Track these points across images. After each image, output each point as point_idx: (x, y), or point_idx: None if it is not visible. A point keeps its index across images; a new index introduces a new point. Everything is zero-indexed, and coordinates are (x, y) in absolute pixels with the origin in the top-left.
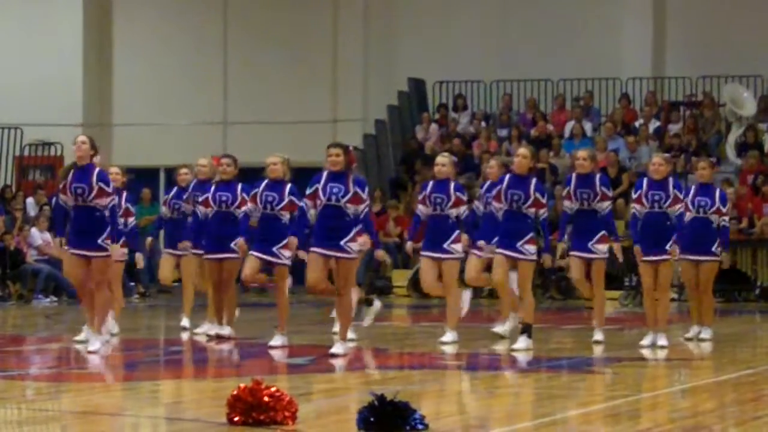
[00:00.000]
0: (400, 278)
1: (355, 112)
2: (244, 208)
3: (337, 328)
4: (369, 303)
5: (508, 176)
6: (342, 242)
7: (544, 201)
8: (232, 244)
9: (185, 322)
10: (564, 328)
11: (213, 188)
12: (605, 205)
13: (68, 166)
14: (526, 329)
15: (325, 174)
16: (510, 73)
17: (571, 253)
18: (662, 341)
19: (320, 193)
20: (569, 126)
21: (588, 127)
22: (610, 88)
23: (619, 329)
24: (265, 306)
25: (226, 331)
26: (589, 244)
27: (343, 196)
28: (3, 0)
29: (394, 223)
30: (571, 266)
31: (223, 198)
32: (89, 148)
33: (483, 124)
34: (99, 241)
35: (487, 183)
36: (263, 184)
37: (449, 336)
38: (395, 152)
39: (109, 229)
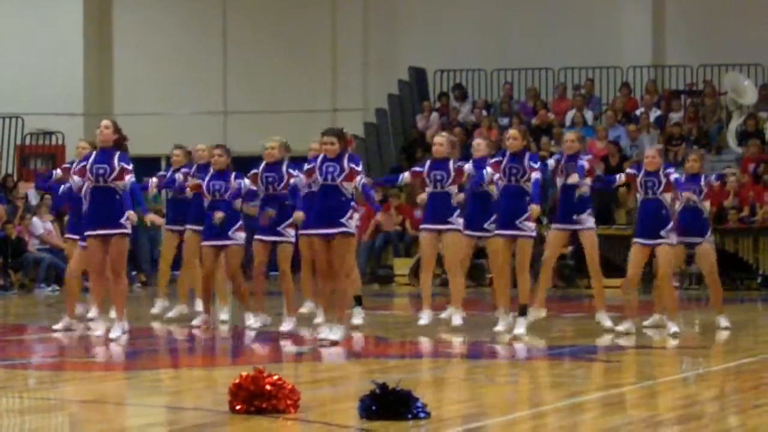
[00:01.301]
0: (401, 267)
1: (355, 101)
2: (293, 180)
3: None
4: (358, 302)
5: (507, 154)
6: (341, 219)
7: (537, 167)
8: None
9: (176, 310)
10: (565, 317)
11: (207, 178)
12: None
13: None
14: (523, 311)
15: (320, 156)
16: (511, 62)
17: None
18: (674, 328)
19: (316, 173)
20: (570, 114)
21: (589, 115)
22: (611, 76)
23: (619, 318)
24: (269, 294)
25: (224, 315)
26: (574, 217)
27: (338, 175)
28: None
29: (395, 211)
30: (548, 241)
31: (216, 187)
32: (112, 132)
33: (484, 112)
34: (120, 220)
35: (470, 161)
36: (262, 166)
37: (457, 318)
38: (396, 141)
39: (129, 211)
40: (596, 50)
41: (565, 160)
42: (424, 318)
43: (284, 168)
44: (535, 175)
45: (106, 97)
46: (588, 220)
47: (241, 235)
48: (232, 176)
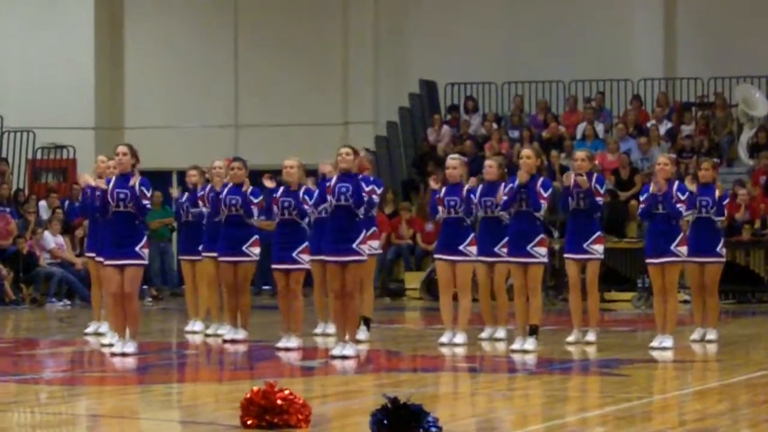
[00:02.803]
0: (413, 280)
1: (366, 114)
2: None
3: (332, 329)
4: (366, 324)
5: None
6: (353, 245)
7: (546, 195)
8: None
9: (198, 326)
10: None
11: (225, 192)
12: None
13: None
14: (533, 330)
15: (336, 176)
16: (521, 75)
17: (566, 255)
18: (668, 343)
19: (330, 193)
20: (581, 127)
21: (600, 128)
22: (622, 89)
23: (631, 331)
24: (277, 308)
25: (240, 334)
26: (585, 245)
27: (351, 195)
28: (15, 4)
29: (406, 225)
30: (567, 267)
31: (233, 201)
32: (129, 158)
33: (494, 125)
34: (136, 248)
35: (480, 187)
36: (281, 190)
37: (459, 337)
38: (407, 154)
39: (145, 238)
40: (607, 63)
41: (575, 182)
42: (447, 337)
43: (301, 193)
44: (542, 203)
45: (117, 110)
46: (598, 250)
47: (256, 251)
48: (248, 192)
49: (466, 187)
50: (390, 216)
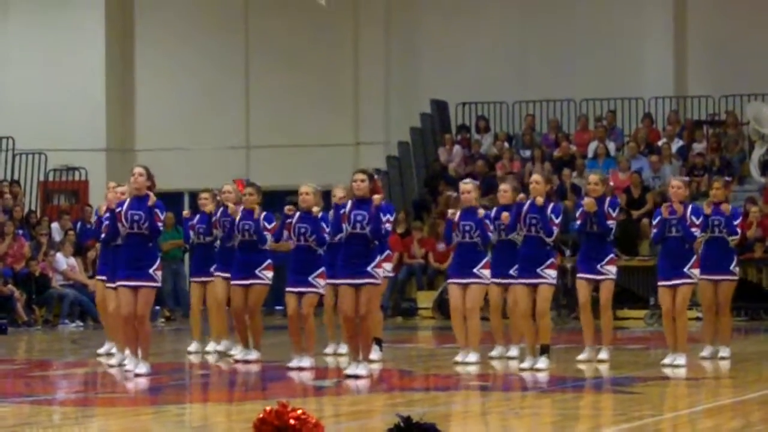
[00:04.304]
0: (425, 299)
1: (377, 134)
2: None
3: (343, 349)
4: (378, 344)
5: (528, 202)
6: (368, 268)
7: (557, 221)
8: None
9: (211, 346)
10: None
11: (239, 217)
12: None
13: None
14: (545, 349)
15: (350, 202)
16: (532, 94)
17: (579, 275)
18: (680, 360)
19: (345, 220)
20: (592, 146)
21: (611, 146)
22: (633, 107)
23: (644, 349)
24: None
25: (253, 355)
26: (598, 266)
27: (367, 224)
28: (26, 26)
29: (418, 244)
30: (578, 287)
31: (246, 227)
32: (145, 179)
33: (506, 145)
34: (150, 270)
35: (494, 210)
36: (296, 216)
37: (472, 356)
38: (419, 174)
39: (158, 261)
40: (618, 81)
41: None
42: (461, 356)
43: (319, 220)
44: (553, 229)
45: (128, 132)
46: (611, 271)
47: (269, 275)
48: (261, 218)
49: (480, 211)
50: (402, 236)
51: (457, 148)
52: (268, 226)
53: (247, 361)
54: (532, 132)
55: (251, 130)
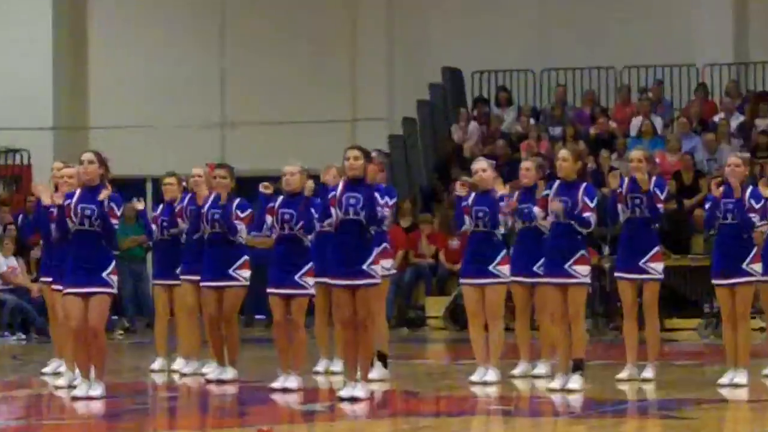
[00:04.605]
0: (435, 307)
1: (378, 109)
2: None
3: (337, 366)
4: (381, 360)
5: (557, 182)
6: (363, 265)
7: (592, 205)
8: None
9: (179, 364)
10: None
11: (207, 205)
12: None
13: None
14: (578, 366)
15: (341, 183)
16: (564, 60)
17: (618, 274)
18: (740, 378)
19: (336, 205)
20: (635, 123)
21: (658, 123)
22: (684, 76)
23: (697, 365)
24: (272, 341)
25: (228, 374)
26: (641, 263)
27: (362, 208)
28: None
29: (427, 240)
30: (620, 289)
31: (215, 216)
32: (97, 167)
33: (532, 121)
34: (104, 274)
35: (516, 193)
36: (279, 200)
37: (492, 374)
38: (427, 156)
39: (113, 263)
40: (666, 45)
41: (629, 185)
42: (479, 374)
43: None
44: (588, 217)
45: (79, 108)
46: (657, 269)
47: (245, 274)
48: (234, 204)
49: (499, 194)
50: (407, 230)
51: (473, 124)
52: (241, 215)
53: (221, 381)
54: (563, 106)
55: (228, 105)
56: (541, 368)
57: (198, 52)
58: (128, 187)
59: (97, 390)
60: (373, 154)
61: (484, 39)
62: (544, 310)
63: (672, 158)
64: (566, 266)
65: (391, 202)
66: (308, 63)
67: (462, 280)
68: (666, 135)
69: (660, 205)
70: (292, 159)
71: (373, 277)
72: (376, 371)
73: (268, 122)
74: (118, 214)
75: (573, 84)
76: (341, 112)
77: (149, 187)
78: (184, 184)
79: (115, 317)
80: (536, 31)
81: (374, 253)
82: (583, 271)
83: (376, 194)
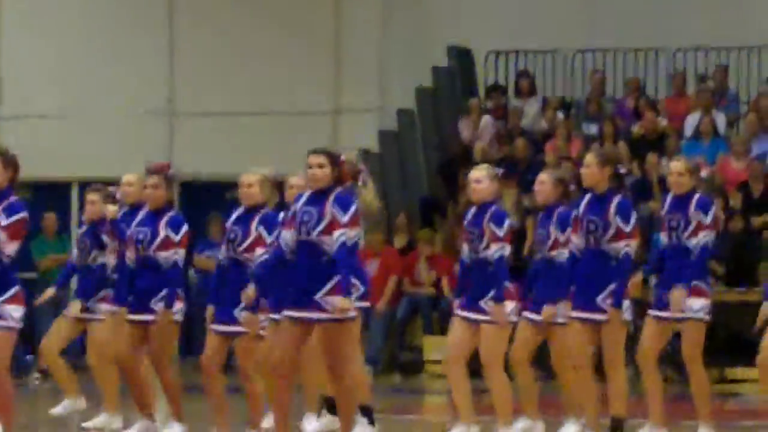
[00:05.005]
0: (435, 348)
1: (368, 98)
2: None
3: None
4: (367, 415)
5: (588, 196)
6: (318, 296)
7: (628, 229)
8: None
9: (102, 419)
10: (683, 425)
11: (134, 222)
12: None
13: None
14: (616, 426)
15: (304, 196)
16: (602, 40)
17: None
18: None
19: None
20: (692, 119)
21: (721, 120)
22: (754, 62)
23: (766, 427)
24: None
25: (175, 430)
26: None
27: (315, 226)
28: None
29: (426, 264)
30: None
31: (140, 236)
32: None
33: (560, 115)
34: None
35: (539, 216)
36: (233, 216)
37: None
38: (429, 158)
39: (16, 288)
40: (730, 25)
41: (671, 204)
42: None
43: (256, 219)
44: (625, 248)
45: None
46: (694, 307)
47: (176, 307)
48: (164, 219)
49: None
50: (402, 252)
51: (486, 119)
52: (175, 237)
53: None
54: (600, 97)
55: (177, 90)
56: (571, 429)
57: (137, 26)
58: (50, 193)
59: None
60: (347, 156)
61: (501, 12)
62: (568, 355)
63: (738, 165)
64: (599, 299)
65: (344, 219)
66: (281, 41)
67: (455, 312)
68: (730, 135)
69: (703, 233)
70: (257, 166)
71: (328, 310)
72: (362, 429)
73: (227, 113)
74: (13, 227)
75: (614, 69)
76: (320, 102)
77: (75, 193)
78: (115, 196)
79: (29, 357)
80: (568, 5)
81: (334, 281)
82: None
83: (335, 209)
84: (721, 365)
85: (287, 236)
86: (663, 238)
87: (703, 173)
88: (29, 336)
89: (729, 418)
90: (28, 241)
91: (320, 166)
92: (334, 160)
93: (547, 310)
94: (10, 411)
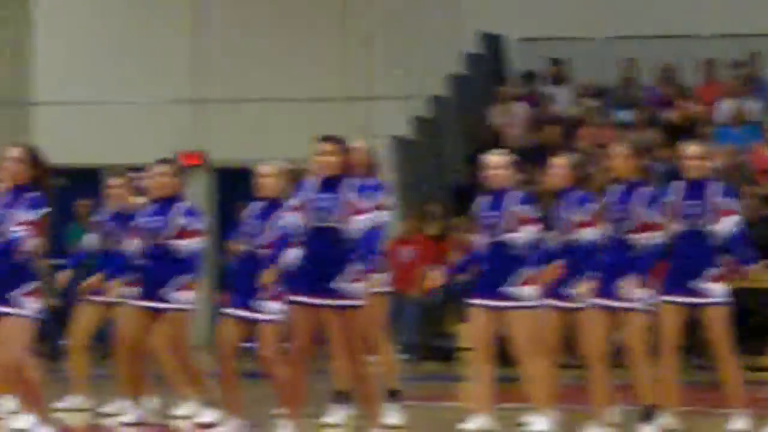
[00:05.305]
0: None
1: (398, 85)
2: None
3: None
4: (393, 396)
5: (616, 186)
6: (336, 283)
7: (653, 219)
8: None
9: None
10: (717, 413)
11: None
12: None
13: None
14: (648, 413)
15: (313, 182)
16: (633, 27)
17: (664, 297)
18: None
19: (307, 208)
20: (725, 106)
21: (753, 106)
22: None
23: None
24: (245, 376)
25: (208, 416)
26: (693, 284)
27: (332, 212)
28: None
29: (459, 251)
30: (663, 316)
31: (152, 224)
32: (25, 168)
33: (593, 102)
34: (18, 294)
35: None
36: (253, 208)
37: (539, 424)
38: (459, 144)
39: (33, 282)
40: (763, 11)
41: (688, 189)
42: (472, 423)
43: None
44: (652, 239)
45: (19, 79)
46: (716, 292)
47: (187, 297)
48: (178, 208)
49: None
50: (436, 239)
51: (518, 106)
52: (186, 225)
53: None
54: (632, 83)
55: (201, 78)
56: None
57: (164, 18)
58: (81, 178)
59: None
60: (359, 144)
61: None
62: (587, 342)
63: None
64: (621, 287)
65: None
66: (306, 27)
67: (471, 300)
68: (765, 123)
69: (729, 217)
70: (278, 156)
71: (347, 297)
72: (392, 414)
73: (251, 100)
74: (30, 221)
75: (645, 56)
76: (351, 88)
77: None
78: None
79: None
80: None
81: (353, 267)
82: (643, 294)
83: (352, 195)
84: (755, 353)
85: (293, 220)
86: (677, 225)
87: (717, 161)
88: (63, 321)
89: (764, 406)
90: (62, 227)
91: (329, 153)
92: (342, 147)
93: (583, 285)
94: (39, 397)
